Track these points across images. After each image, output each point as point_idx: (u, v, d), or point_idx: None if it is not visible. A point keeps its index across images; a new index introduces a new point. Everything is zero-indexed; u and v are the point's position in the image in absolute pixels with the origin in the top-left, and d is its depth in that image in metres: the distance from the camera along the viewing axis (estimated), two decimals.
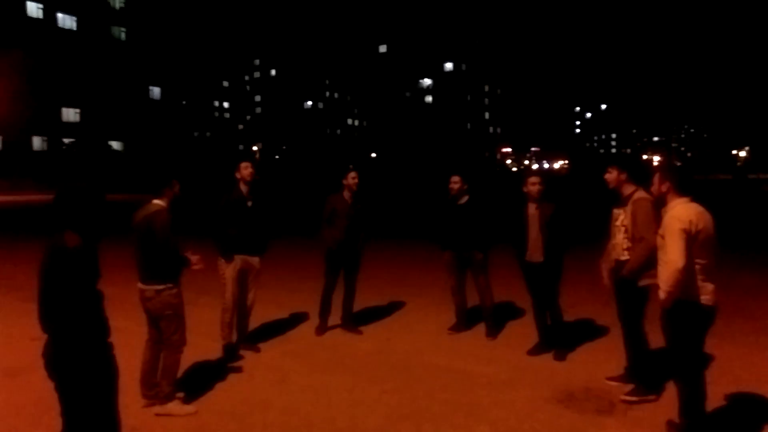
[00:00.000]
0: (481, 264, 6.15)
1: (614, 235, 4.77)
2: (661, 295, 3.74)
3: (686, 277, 3.61)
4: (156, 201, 4.37)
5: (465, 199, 6.17)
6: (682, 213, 3.69)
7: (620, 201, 4.76)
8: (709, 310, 3.72)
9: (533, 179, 5.55)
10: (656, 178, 3.92)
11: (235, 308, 5.59)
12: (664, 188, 3.85)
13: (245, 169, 5.61)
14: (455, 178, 6.14)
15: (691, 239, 3.62)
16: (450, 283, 6.42)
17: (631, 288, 4.56)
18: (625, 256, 4.65)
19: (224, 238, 5.53)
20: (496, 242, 6.10)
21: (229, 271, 5.53)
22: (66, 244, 2.72)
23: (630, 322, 4.69)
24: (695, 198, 3.83)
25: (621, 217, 4.70)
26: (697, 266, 3.68)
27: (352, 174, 6.18)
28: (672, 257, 3.61)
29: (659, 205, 4.06)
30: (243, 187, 5.63)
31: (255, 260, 5.71)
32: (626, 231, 4.63)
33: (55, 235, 2.79)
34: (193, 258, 4.37)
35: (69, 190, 2.85)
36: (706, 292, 3.70)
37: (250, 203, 5.64)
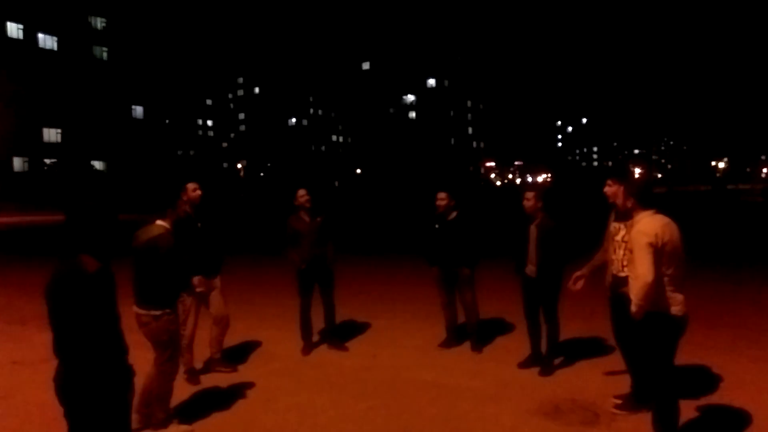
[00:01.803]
0: (468, 280, 6.16)
1: (615, 250, 4.66)
2: (632, 308, 3.76)
3: (656, 290, 3.65)
4: (160, 222, 4.25)
5: (453, 215, 6.16)
6: (647, 227, 3.73)
7: (620, 215, 4.65)
8: (679, 321, 3.76)
9: (527, 195, 5.58)
10: (620, 193, 3.96)
11: (194, 333, 5.43)
12: (629, 204, 3.92)
13: (193, 192, 5.40)
14: (441, 195, 6.13)
15: (659, 252, 3.66)
16: (440, 299, 6.42)
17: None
18: (624, 273, 4.52)
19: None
20: (483, 258, 6.13)
21: (188, 300, 5.34)
22: (85, 269, 2.61)
23: (628, 338, 4.63)
24: (660, 210, 3.86)
25: (622, 233, 4.58)
26: (666, 277, 3.71)
27: (300, 192, 6.15)
28: (641, 271, 3.64)
29: (626, 218, 4.10)
30: (189, 210, 5.39)
31: (215, 281, 5.55)
32: (627, 247, 4.52)
33: (67, 259, 2.65)
34: (194, 280, 4.32)
35: (82, 211, 2.68)
36: (676, 303, 3.75)
37: (199, 224, 5.44)
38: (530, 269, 5.57)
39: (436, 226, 6.22)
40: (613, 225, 4.74)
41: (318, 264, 6.20)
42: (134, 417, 4.35)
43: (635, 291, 3.72)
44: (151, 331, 4.19)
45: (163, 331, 4.18)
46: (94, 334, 2.62)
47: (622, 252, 4.57)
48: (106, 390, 2.67)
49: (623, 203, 3.95)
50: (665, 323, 3.74)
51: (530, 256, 5.54)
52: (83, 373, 2.62)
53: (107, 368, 2.67)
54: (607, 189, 4.74)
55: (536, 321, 5.70)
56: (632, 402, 4.54)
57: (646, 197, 3.87)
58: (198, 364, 5.62)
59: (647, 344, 3.82)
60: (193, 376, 5.42)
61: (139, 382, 4.41)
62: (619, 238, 4.63)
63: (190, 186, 5.42)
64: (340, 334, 6.61)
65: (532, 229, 5.54)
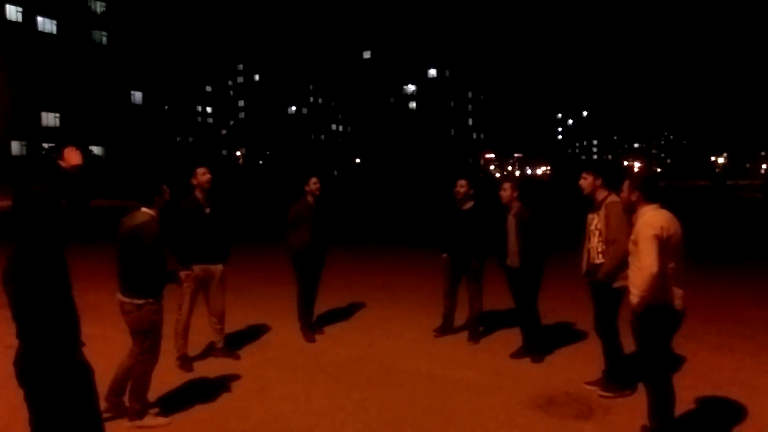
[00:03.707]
0: (476, 272, 6.16)
1: (589, 239, 4.88)
2: (633, 299, 3.80)
3: (660, 282, 3.68)
4: (145, 209, 4.18)
5: (470, 204, 6.17)
6: (653, 219, 3.78)
7: (594, 206, 4.89)
8: (679, 314, 3.81)
9: (503, 185, 5.69)
10: (625, 187, 4.03)
11: (189, 319, 5.40)
12: (633, 197, 3.95)
13: (202, 176, 5.40)
14: (462, 182, 6.14)
15: (664, 245, 3.70)
16: (443, 287, 6.43)
17: (605, 290, 4.66)
18: (599, 260, 4.75)
19: (181, 247, 5.28)
20: (492, 251, 6.08)
21: (184, 285, 5.23)
22: (21, 240, 2.74)
23: (604, 323, 4.78)
24: (663, 204, 3.92)
25: (595, 222, 4.82)
26: (669, 271, 3.75)
27: (314, 179, 6.27)
28: (646, 262, 3.67)
29: (629, 211, 4.14)
30: (199, 194, 5.43)
31: (217, 268, 5.53)
32: (600, 234, 4.74)
33: (16, 240, 2.76)
34: (182, 275, 4.25)
35: (24, 195, 2.78)
36: (677, 297, 3.79)
37: (207, 210, 5.44)
38: (512, 260, 5.61)
39: (451, 213, 6.23)
40: (588, 216, 4.94)
41: (314, 251, 6.29)
42: (103, 404, 4.32)
43: (639, 282, 3.73)
44: (132, 320, 4.10)
45: (144, 320, 4.09)
46: (37, 307, 2.71)
47: (596, 240, 4.80)
48: (56, 370, 2.73)
49: (628, 196, 3.99)
50: (667, 316, 3.77)
51: (510, 246, 5.60)
52: (33, 351, 2.73)
53: (55, 345, 2.74)
54: (582, 182, 4.92)
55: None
56: (616, 384, 4.64)
57: (651, 191, 3.92)
58: (193, 351, 5.60)
59: (646, 336, 3.83)
60: (185, 362, 5.39)
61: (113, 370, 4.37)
62: (592, 227, 4.85)
63: (200, 170, 5.42)
64: (336, 323, 6.60)
65: (510, 220, 5.62)
